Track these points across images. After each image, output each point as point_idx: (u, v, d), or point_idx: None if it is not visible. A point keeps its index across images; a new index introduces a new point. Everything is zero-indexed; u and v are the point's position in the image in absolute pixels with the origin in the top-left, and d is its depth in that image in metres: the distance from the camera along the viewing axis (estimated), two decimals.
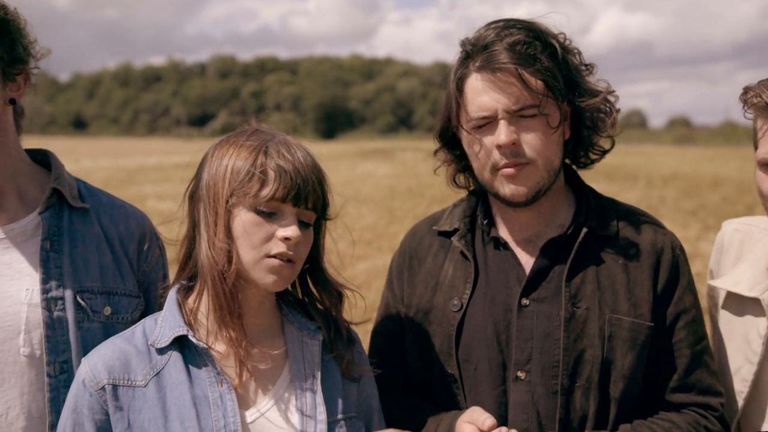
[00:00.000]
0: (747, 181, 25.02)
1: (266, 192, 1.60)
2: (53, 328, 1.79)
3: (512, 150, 1.79)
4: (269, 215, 1.62)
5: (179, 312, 1.67)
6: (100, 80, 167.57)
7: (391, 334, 2.02)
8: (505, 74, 1.77)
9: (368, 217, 16.38)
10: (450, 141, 1.99)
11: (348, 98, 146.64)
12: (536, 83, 1.77)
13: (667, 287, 1.87)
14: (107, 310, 1.87)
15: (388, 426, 1.81)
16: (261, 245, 1.61)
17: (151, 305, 1.96)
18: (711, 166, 36.16)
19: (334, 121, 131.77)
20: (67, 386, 1.71)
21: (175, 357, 1.63)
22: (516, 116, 1.79)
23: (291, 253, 1.62)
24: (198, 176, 1.70)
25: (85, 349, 1.73)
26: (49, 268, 1.82)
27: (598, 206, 1.94)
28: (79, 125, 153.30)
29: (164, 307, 1.71)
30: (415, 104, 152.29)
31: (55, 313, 1.79)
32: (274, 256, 1.61)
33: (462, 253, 1.93)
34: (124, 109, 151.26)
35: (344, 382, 1.76)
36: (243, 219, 1.61)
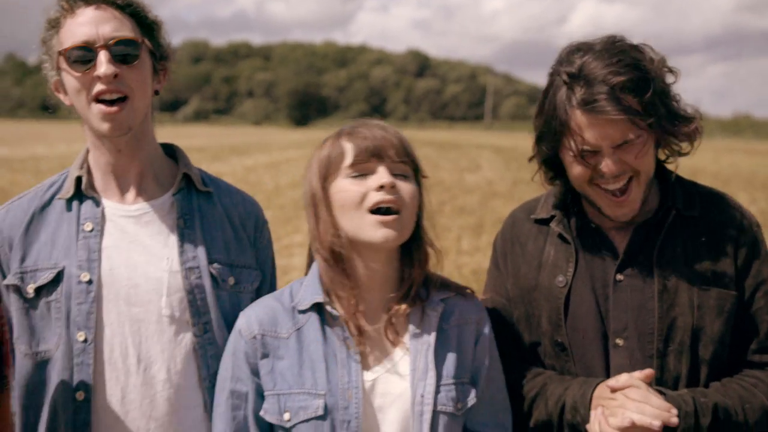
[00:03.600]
0: (723, 173, 25.39)
1: (349, 158, 1.81)
2: (193, 293, 2.01)
3: (617, 173, 1.93)
4: (361, 176, 1.80)
5: (319, 281, 1.88)
6: None
7: (500, 308, 2.20)
8: (609, 118, 1.86)
9: None
10: (549, 153, 2.07)
11: (321, 85, 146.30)
12: (640, 122, 1.87)
13: (747, 260, 2.05)
14: (231, 281, 2.07)
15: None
16: (360, 203, 1.78)
17: (266, 278, 2.19)
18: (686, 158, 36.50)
19: (308, 108, 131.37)
20: (211, 344, 2.00)
21: (313, 318, 1.86)
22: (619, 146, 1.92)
23: (390, 197, 1.77)
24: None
25: (222, 313, 2.02)
26: (186, 242, 2.04)
27: (682, 190, 2.10)
28: (47, 109, 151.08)
29: (308, 274, 1.93)
30: (388, 92, 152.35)
31: (194, 281, 2.01)
32: (375, 211, 1.77)
33: (561, 236, 2.13)
34: None
35: (459, 348, 1.91)
36: (337, 187, 1.81)
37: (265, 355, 1.84)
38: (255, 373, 1.85)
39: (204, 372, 1.99)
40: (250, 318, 1.88)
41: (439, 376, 1.85)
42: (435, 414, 1.82)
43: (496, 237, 2.31)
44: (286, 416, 1.80)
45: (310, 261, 1.98)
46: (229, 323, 1.99)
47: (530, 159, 2.14)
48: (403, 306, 1.87)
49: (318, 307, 1.86)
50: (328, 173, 1.84)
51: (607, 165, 1.91)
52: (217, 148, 36.77)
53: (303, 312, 1.87)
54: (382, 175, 1.78)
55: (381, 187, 1.77)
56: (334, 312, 1.84)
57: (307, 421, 1.78)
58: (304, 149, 35.04)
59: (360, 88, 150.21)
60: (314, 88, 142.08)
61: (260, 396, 1.85)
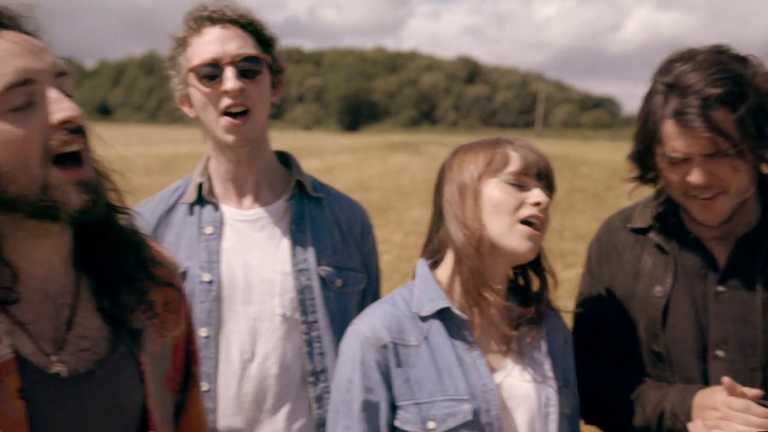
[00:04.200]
0: None
1: (513, 167, 1.84)
2: (303, 293, 2.13)
3: (706, 185, 1.92)
4: (518, 187, 1.83)
5: (436, 284, 1.89)
6: (126, 68, 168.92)
7: (594, 314, 2.21)
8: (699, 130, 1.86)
9: (415, 210, 16.26)
10: (644, 158, 2.08)
11: (371, 91, 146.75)
12: (732, 135, 1.85)
13: None
14: (339, 282, 2.19)
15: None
16: (513, 212, 1.82)
17: (371, 281, 2.31)
18: None
19: (357, 114, 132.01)
20: (318, 342, 2.13)
21: (437, 324, 1.86)
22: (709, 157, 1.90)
23: (542, 215, 1.82)
24: (441, 173, 1.96)
25: (329, 313, 2.14)
26: (297, 245, 2.16)
27: None
28: (104, 112, 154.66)
29: (417, 279, 1.94)
30: (438, 98, 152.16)
31: (304, 282, 2.13)
32: (526, 223, 1.81)
33: (659, 246, 2.13)
34: (149, 96, 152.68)
35: (557, 353, 1.97)
36: (493, 191, 1.84)
37: (398, 364, 1.82)
38: (387, 382, 1.82)
39: (310, 367, 2.12)
40: (376, 326, 1.85)
41: (558, 379, 1.91)
42: (560, 415, 1.88)
43: (590, 244, 2.33)
44: (431, 425, 1.79)
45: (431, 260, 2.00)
46: (335, 322, 2.13)
47: (630, 161, 2.15)
48: (532, 325, 1.93)
49: (440, 312, 1.86)
50: (485, 172, 1.86)
51: (695, 175, 1.90)
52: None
53: (425, 319, 1.87)
54: (540, 193, 1.83)
55: (537, 204, 1.81)
56: (462, 315, 1.85)
57: (456, 428, 1.79)
58: (355, 154, 35.21)
59: (410, 93, 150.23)
60: (364, 93, 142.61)
61: (391, 406, 1.84)
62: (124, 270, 1.51)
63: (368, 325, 1.86)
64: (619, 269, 2.19)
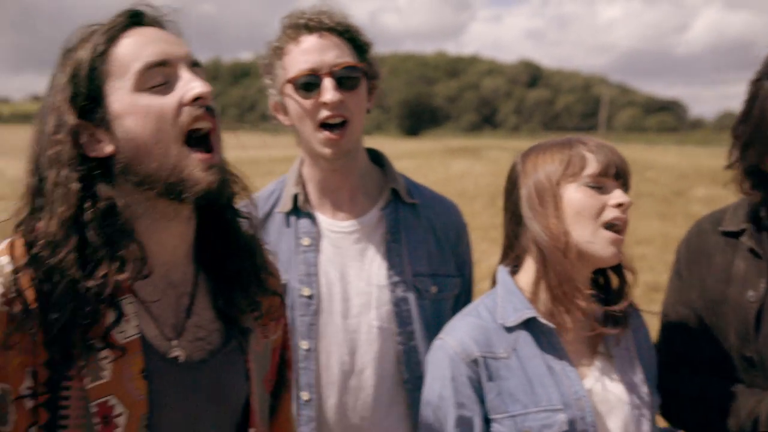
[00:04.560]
0: None
1: (591, 169, 1.81)
2: (398, 305, 2.12)
3: None
4: (597, 189, 1.81)
5: (519, 292, 1.88)
6: None
7: (681, 317, 2.19)
8: None
9: (483, 214, 16.16)
10: (755, 161, 2.04)
11: (432, 96, 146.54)
12: None
13: None
14: (434, 290, 2.17)
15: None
16: (596, 216, 1.79)
17: (465, 284, 2.28)
18: None
19: (418, 119, 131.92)
20: (414, 351, 2.12)
21: (524, 333, 1.84)
22: None
23: (624, 217, 1.81)
24: (513, 178, 1.93)
25: (424, 321, 2.13)
26: (392, 256, 2.15)
27: None
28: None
29: (498, 287, 1.93)
30: (499, 102, 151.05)
31: (399, 294, 2.12)
32: (610, 227, 1.79)
33: (752, 251, 2.08)
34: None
35: (644, 353, 1.97)
36: (574, 196, 1.81)
37: (489, 378, 1.81)
38: (480, 397, 1.82)
39: (407, 375, 2.13)
40: (464, 340, 1.84)
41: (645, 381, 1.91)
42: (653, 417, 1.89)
43: (679, 247, 2.30)
44: None
45: (494, 277, 1.99)
46: (430, 329, 2.10)
47: (728, 167, 2.11)
48: (617, 325, 1.91)
49: (526, 322, 1.85)
50: (563, 176, 1.84)
51: None
52: None
53: (510, 330, 1.85)
54: (621, 194, 1.81)
55: (619, 205, 1.80)
56: (549, 324, 1.83)
57: None
58: (417, 159, 35.10)
59: (471, 98, 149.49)
60: (425, 98, 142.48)
61: (484, 420, 1.83)
62: (240, 275, 1.59)
63: (456, 339, 1.85)
64: (709, 273, 2.14)
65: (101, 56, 1.41)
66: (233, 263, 1.59)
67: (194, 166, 1.41)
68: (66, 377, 1.35)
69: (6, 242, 1.40)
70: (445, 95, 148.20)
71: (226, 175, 1.49)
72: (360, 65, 2.08)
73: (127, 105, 1.39)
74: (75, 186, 1.37)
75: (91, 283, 1.34)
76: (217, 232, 1.59)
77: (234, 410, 1.59)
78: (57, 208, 1.36)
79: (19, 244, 1.38)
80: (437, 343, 1.89)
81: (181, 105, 1.41)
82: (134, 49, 1.42)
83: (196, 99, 1.42)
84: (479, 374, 1.80)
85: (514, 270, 1.95)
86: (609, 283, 1.98)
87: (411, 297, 2.13)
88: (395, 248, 2.16)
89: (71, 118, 1.39)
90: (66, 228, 1.36)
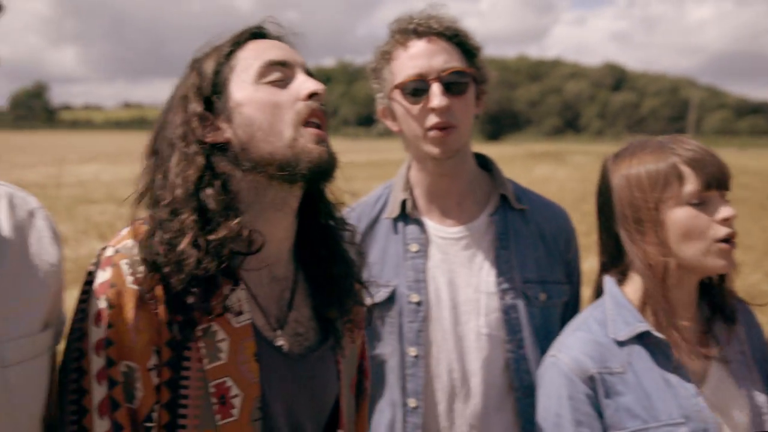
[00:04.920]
0: None
1: (691, 186, 1.75)
2: (507, 313, 2.08)
3: None
4: (701, 205, 1.75)
5: (629, 304, 1.83)
6: None
7: None
8: None
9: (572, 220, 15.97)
10: None
11: (514, 100, 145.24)
12: None
13: None
14: (543, 297, 2.12)
15: None
16: (704, 235, 1.74)
17: (574, 291, 2.23)
18: None
19: (500, 123, 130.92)
20: (523, 359, 2.08)
21: (637, 347, 1.80)
22: None
23: (734, 231, 1.75)
24: (604, 191, 1.89)
25: (534, 329, 2.09)
26: (501, 263, 2.11)
27: None
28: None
29: (606, 299, 1.88)
30: (582, 106, 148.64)
31: (509, 301, 2.09)
32: (723, 240, 1.74)
33: None
34: None
35: (762, 346, 1.93)
36: (678, 218, 1.76)
37: (607, 395, 1.77)
38: (599, 414, 1.79)
39: (516, 383, 2.08)
40: (578, 357, 1.81)
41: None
42: None
43: None
44: None
45: (598, 287, 1.96)
46: (539, 337, 2.08)
47: None
48: (727, 322, 1.87)
49: (639, 336, 1.81)
50: (662, 199, 1.77)
51: None
52: None
53: (623, 344, 1.81)
54: (727, 209, 1.75)
55: (725, 220, 1.75)
56: (662, 337, 1.79)
57: None
58: (499, 164, 34.64)
59: (553, 102, 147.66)
60: (507, 102, 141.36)
61: None
62: (338, 281, 1.65)
63: (570, 356, 1.81)
64: None
65: (227, 56, 1.55)
66: (332, 268, 1.65)
67: (307, 139, 1.49)
68: (185, 358, 1.43)
69: (128, 227, 1.49)
70: (526, 99, 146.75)
71: (335, 154, 1.56)
72: (468, 70, 2.06)
73: (248, 94, 1.51)
74: (200, 159, 1.48)
75: (211, 247, 1.43)
76: (318, 234, 1.66)
77: (326, 407, 1.65)
78: (180, 179, 1.46)
79: (141, 228, 1.47)
80: (550, 360, 1.87)
81: (296, 99, 1.52)
82: (257, 51, 1.56)
83: (311, 96, 1.52)
84: (596, 391, 1.77)
85: (620, 279, 1.90)
86: (711, 280, 1.91)
87: (520, 304, 2.09)
88: (504, 255, 2.12)
89: (197, 107, 1.51)
90: (188, 196, 1.45)
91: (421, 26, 2.03)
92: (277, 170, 1.49)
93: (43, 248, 1.43)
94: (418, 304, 2.10)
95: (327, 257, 1.66)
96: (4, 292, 1.32)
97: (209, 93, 1.53)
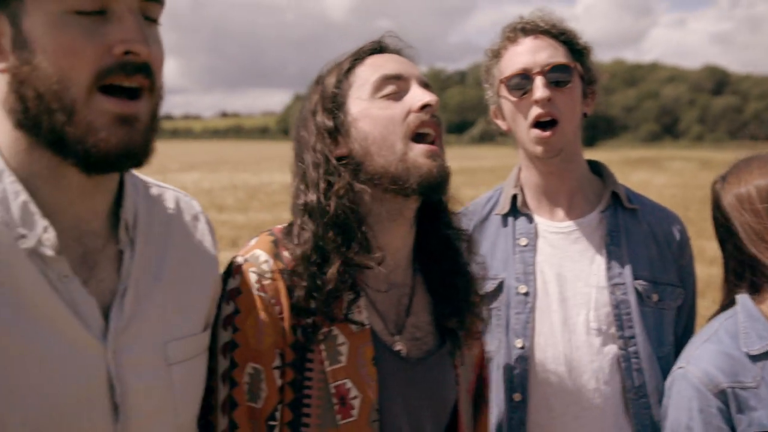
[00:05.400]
0: None
1: None
2: (619, 308, 2.08)
3: None
4: None
5: (763, 319, 1.81)
6: None
7: None
8: None
9: None
10: None
11: (609, 105, 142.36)
12: None
13: None
14: (655, 297, 2.12)
15: None
16: None
17: (688, 296, 2.20)
18: None
19: (595, 129, 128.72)
20: (636, 357, 2.06)
21: None
22: None
23: None
24: (719, 210, 1.91)
25: (646, 328, 2.07)
26: (612, 258, 2.12)
27: None
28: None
29: (740, 312, 1.85)
30: (681, 111, 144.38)
31: (620, 296, 2.09)
32: None
33: None
34: None
35: None
36: None
37: (739, 410, 1.76)
38: (732, 429, 1.77)
39: (628, 383, 2.06)
40: (709, 370, 1.79)
41: None
42: None
43: None
44: None
45: (727, 296, 1.94)
46: (652, 338, 2.08)
47: None
48: None
49: None
50: None
51: None
52: (505, 169, 37.23)
53: (756, 358, 1.78)
54: None
55: None
56: None
57: None
58: None
59: (650, 107, 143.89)
60: (602, 108, 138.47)
61: None
62: (458, 290, 1.72)
63: (700, 369, 1.79)
64: None
65: (347, 73, 1.64)
66: (454, 280, 1.72)
67: (418, 154, 1.56)
68: (308, 360, 1.52)
69: (256, 238, 1.61)
70: (622, 104, 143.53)
71: (447, 168, 1.62)
72: (572, 65, 2.12)
73: (363, 109, 1.60)
74: (333, 172, 1.58)
75: (349, 266, 1.53)
76: (437, 243, 1.72)
77: (445, 411, 1.70)
78: (316, 183, 1.58)
79: (268, 239, 1.59)
80: (679, 372, 1.85)
81: (409, 111, 1.58)
82: (374, 66, 1.64)
83: (424, 107, 1.58)
84: (729, 406, 1.75)
85: (752, 292, 1.87)
86: None
87: (632, 300, 2.09)
88: (615, 251, 2.13)
89: (327, 121, 1.61)
90: (324, 200, 1.56)
91: (528, 25, 2.12)
92: (390, 183, 1.57)
93: (205, 251, 1.52)
94: (526, 294, 2.12)
95: (449, 270, 1.71)
96: (176, 295, 1.40)
97: (330, 108, 1.61)
